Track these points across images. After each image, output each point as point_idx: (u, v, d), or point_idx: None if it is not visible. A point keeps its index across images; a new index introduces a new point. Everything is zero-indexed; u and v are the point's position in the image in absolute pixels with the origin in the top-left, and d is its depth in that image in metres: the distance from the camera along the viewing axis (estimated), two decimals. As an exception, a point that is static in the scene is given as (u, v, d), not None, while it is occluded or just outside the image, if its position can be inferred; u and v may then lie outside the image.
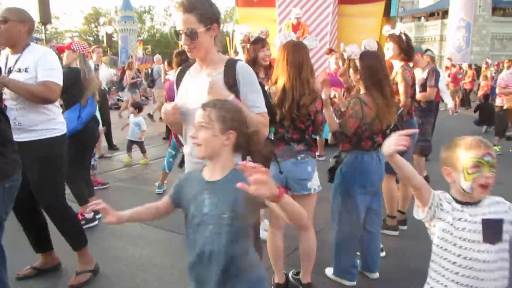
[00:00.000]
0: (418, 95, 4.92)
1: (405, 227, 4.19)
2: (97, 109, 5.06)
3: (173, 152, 5.41)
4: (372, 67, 2.91)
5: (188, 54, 2.01)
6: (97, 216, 4.34)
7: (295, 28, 8.04)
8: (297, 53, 2.68)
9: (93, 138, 4.47)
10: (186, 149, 2.16)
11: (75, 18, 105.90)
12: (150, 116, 13.25)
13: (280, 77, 2.68)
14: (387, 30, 4.15)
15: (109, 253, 3.69)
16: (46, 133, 2.94)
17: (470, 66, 17.45)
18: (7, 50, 2.96)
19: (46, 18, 15.43)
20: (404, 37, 4.04)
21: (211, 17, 1.96)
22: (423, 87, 5.18)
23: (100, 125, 5.49)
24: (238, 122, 1.67)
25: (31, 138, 2.88)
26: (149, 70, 15.07)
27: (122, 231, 4.17)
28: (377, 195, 3.18)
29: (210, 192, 1.67)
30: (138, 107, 7.15)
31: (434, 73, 5.14)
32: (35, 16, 15.30)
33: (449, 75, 14.93)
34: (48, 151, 2.94)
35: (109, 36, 30.71)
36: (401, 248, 3.85)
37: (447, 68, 16.89)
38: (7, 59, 2.93)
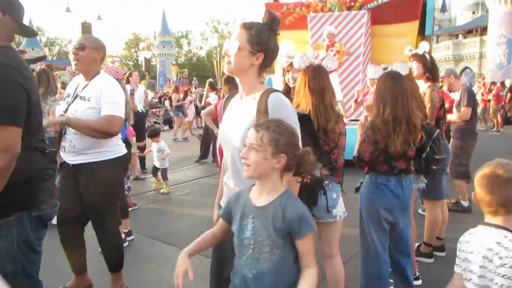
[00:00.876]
0: (454, 116, 4.79)
1: (443, 254, 4.01)
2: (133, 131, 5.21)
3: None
4: (382, 91, 2.79)
5: (224, 68, 1.98)
6: (129, 238, 4.40)
7: (329, 46, 8.04)
8: (318, 78, 2.66)
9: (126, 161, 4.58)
10: (224, 177, 2.11)
11: (116, 43, 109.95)
12: (185, 138, 13.53)
13: (303, 103, 2.66)
14: (409, 49, 4.05)
15: (139, 275, 3.71)
16: (100, 156, 3.02)
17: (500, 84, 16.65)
18: (81, 77, 3.10)
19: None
20: (428, 56, 3.92)
21: (261, 45, 1.91)
22: (459, 109, 5.04)
23: (135, 148, 5.62)
24: (290, 146, 1.65)
25: (86, 161, 2.97)
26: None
27: (152, 253, 4.21)
28: (401, 222, 2.95)
29: (254, 216, 1.67)
30: (154, 135, 6.92)
31: (467, 92, 4.98)
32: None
33: (486, 93, 14.43)
34: (104, 173, 3.01)
35: (148, 61, 31.72)
36: (438, 276, 3.67)
37: (479, 87, 16.38)
38: (77, 85, 3.08)
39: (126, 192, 4.90)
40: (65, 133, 2.97)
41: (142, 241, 4.51)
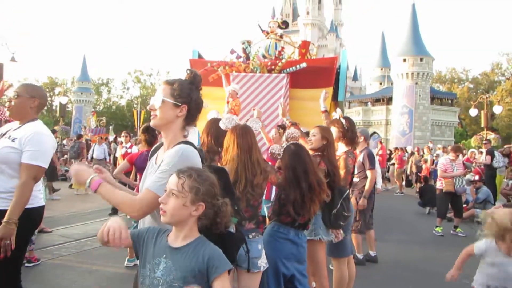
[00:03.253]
0: (367, 184, 5.26)
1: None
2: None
3: (135, 224, 5.23)
4: (289, 166, 3.00)
5: (151, 122, 2.03)
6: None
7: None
8: (245, 136, 2.81)
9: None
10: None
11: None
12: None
13: (231, 160, 2.76)
14: (325, 92, 4.44)
15: None
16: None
17: (402, 149, 18.33)
18: (16, 123, 2.99)
19: (-3, 86, 15.18)
20: (344, 121, 4.21)
21: (183, 97, 1.99)
22: (360, 169, 5.49)
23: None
24: (209, 195, 1.68)
25: None
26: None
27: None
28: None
29: (167, 256, 1.67)
30: None
31: (368, 156, 5.53)
32: (-14, 83, 15.04)
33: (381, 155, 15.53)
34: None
35: (63, 106, 30.34)
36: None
37: (377, 154, 17.83)
38: (10, 128, 2.95)
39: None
40: None
41: (42, 300, 4.13)
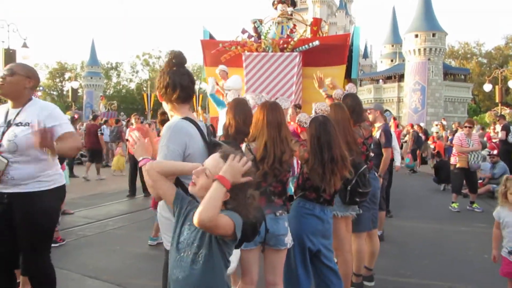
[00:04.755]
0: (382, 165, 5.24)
1: (371, 283, 4.23)
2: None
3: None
4: (314, 135, 3.04)
5: None
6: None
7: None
8: (275, 113, 2.82)
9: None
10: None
11: (40, 72, 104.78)
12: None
13: (260, 136, 2.78)
14: (329, 80, 4.38)
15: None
16: (40, 186, 2.89)
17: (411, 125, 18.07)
18: (8, 104, 2.97)
19: (10, 72, 15.35)
20: (349, 101, 4.02)
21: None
22: (375, 146, 5.47)
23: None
24: (238, 187, 1.71)
25: (23, 190, 2.81)
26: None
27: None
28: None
29: (191, 223, 1.75)
30: None
31: (384, 134, 5.49)
32: (0, 68, 15.22)
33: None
34: (42, 204, 2.86)
35: (75, 91, 30.54)
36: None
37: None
38: (7, 113, 2.93)
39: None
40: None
41: (71, 278, 4.26)
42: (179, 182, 2.09)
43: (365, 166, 3.70)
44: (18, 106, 2.91)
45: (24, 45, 18.46)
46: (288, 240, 2.84)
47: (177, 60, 2.17)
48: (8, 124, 2.86)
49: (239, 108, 3.12)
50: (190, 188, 1.76)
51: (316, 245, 3.04)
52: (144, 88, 57.05)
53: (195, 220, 1.60)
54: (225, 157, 1.72)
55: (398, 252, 5.43)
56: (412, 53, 39.45)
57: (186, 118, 2.14)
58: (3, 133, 2.85)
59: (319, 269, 3.14)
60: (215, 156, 1.76)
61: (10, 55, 15.27)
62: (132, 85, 69.09)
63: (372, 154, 5.52)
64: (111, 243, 5.65)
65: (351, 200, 3.49)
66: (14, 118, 2.86)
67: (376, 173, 4.34)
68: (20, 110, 2.89)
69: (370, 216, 4.11)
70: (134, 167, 8.80)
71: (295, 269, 3.02)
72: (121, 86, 69.91)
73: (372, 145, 5.40)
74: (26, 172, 2.81)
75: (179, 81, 2.15)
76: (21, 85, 2.89)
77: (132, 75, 69.74)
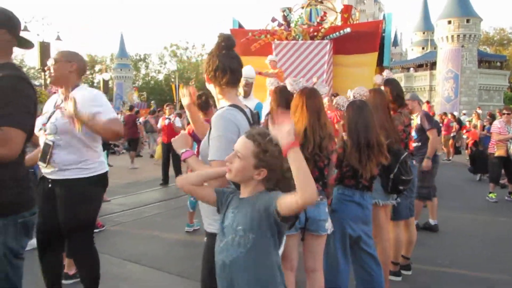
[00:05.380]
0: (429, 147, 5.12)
1: (409, 272, 4.18)
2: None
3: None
4: (351, 119, 3.03)
5: None
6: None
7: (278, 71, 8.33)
8: (314, 99, 2.81)
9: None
10: None
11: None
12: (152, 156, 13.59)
13: (299, 122, 2.77)
14: (381, 78, 4.21)
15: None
16: (82, 172, 2.96)
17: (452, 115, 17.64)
18: (58, 94, 3.10)
19: (45, 65, 15.80)
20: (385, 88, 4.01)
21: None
22: (419, 132, 5.34)
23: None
24: (272, 161, 1.72)
25: (66, 177, 2.88)
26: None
27: (123, 274, 4.13)
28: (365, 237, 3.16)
29: (235, 206, 1.79)
30: None
31: (425, 116, 5.36)
32: (36, 62, 15.67)
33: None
34: (84, 191, 2.94)
35: (106, 83, 31.14)
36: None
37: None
38: (56, 101, 3.07)
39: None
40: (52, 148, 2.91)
41: (111, 262, 4.39)
42: None
43: (406, 153, 3.63)
44: (66, 92, 3.01)
45: (58, 38, 18.92)
46: (329, 226, 2.84)
47: (226, 43, 2.16)
48: (55, 108, 2.99)
49: (282, 95, 3.11)
50: (227, 176, 1.78)
51: (357, 232, 3.03)
52: (172, 79, 57.62)
53: (307, 200, 1.54)
54: (250, 137, 1.73)
55: (435, 242, 5.34)
56: (445, 40, 38.27)
57: (234, 105, 2.14)
58: (50, 116, 2.97)
59: (359, 255, 3.13)
60: (241, 138, 1.77)
61: (45, 48, 15.69)
62: (160, 76, 69.91)
63: (416, 144, 5.40)
64: (148, 229, 5.79)
65: (394, 189, 3.43)
66: (60, 103, 2.98)
67: (414, 161, 4.25)
68: (66, 96, 2.98)
69: (408, 205, 4.06)
70: (167, 155, 8.96)
71: (335, 255, 3.02)
72: (149, 78, 70.81)
73: (416, 134, 5.30)
74: (67, 158, 2.90)
75: (228, 65, 2.14)
76: (64, 70, 2.98)
77: (160, 66, 70.53)
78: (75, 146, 2.93)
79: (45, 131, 2.93)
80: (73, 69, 3.02)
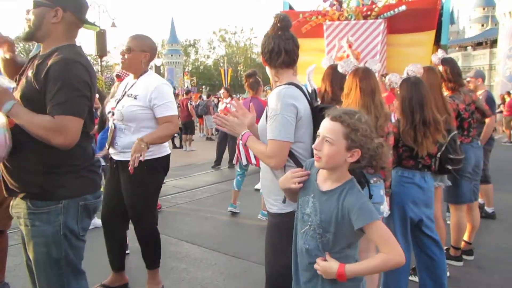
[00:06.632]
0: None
1: (471, 257, 4.02)
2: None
3: (241, 171, 5.62)
4: (406, 95, 2.91)
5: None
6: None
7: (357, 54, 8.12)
8: (368, 79, 2.72)
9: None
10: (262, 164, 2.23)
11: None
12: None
13: (354, 104, 2.70)
14: (438, 58, 4.02)
15: (172, 275, 3.76)
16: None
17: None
18: (131, 76, 3.25)
19: (102, 52, 16.41)
20: (442, 68, 3.88)
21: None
22: (479, 112, 5.06)
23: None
24: (365, 140, 1.61)
25: (128, 158, 2.94)
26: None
27: (181, 253, 4.25)
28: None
29: (315, 196, 1.71)
30: None
31: (487, 101, 5.03)
32: (93, 49, 16.29)
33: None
34: (144, 173, 2.99)
35: (158, 68, 31.95)
36: (468, 279, 3.69)
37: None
38: (127, 84, 3.22)
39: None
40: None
41: (169, 242, 4.54)
42: (292, 154, 2.08)
43: (456, 132, 3.45)
44: (135, 78, 3.15)
45: (113, 25, 19.55)
46: (385, 208, 2.76)
47: (282, 24, 2.13)
48: (123, 94, 3.12)
49: (336, 74, 3.04)
50: (316, 164, 1.68)
51: (418, 215, 2.93)
52: (221, 64, 58.16)
53: None
54: (337, 118, 1.61)
55: (498, 226, 5.10)
56: (508, 15, 35.82)
57: (291, 83, 2.11)
58: (118, 101, 3.09)
59: (420, 239, 3.03)
60: (325, 121, 1.64)
61: (101, 35, 16.25)
62: (210, 61, 70.79)
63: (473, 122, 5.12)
64: (202, 211, 5.93)
65: (442, 168, 3.24)
66: (129, 89, 3.10)
67: (478, 142, 4.04)
68: (135, 82, 3.12)
69: (472, 188, 3.88)
70: (224, 139, 9.10)
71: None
72: (199, 63, 71.89)
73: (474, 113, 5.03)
74: (128, 141, 3.01)
75: (283, 46, 2.12)
76: (137, 59, 3.10)
77: (209, 51, 71.48)
78: (140, 131, 3.02)
79: (113, 114, 3.07)
80: (146, 59, 3.13)
